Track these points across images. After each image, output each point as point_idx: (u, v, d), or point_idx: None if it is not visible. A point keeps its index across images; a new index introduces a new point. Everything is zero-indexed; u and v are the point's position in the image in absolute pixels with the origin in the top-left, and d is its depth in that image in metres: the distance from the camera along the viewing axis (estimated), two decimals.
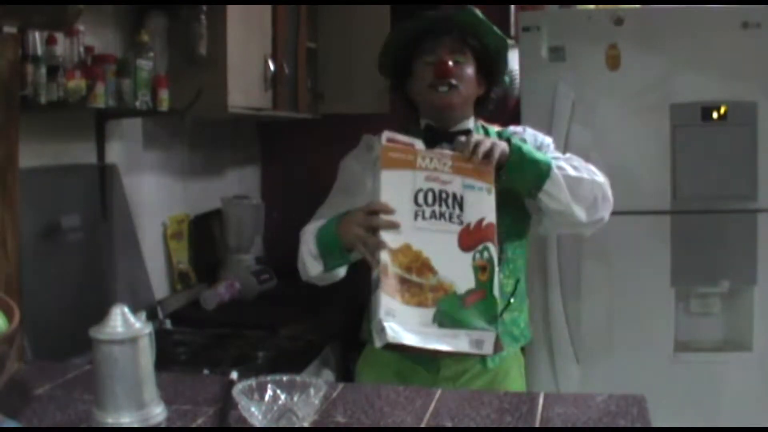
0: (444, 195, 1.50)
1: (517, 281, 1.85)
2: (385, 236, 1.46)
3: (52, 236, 2.18)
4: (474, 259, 1.48)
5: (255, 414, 1.17)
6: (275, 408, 1.17)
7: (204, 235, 3.12)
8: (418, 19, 1.83)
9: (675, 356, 2.98)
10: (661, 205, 2.96)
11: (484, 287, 1.48)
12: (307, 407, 1.19)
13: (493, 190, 1.55)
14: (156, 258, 2.81)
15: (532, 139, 1.87)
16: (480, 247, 1.49)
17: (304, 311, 2.82)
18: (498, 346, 1.48)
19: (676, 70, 2.91)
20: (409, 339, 1.40)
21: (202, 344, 2.41)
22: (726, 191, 2.94)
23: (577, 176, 1.72)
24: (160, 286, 2.81)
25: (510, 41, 3.52)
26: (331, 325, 2.79)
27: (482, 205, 1.53)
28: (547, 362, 3.02)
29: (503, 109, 3.52)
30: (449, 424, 1.28)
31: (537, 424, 1.27)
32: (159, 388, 1.28)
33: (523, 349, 1.95)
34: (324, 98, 3.38)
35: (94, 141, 2.44)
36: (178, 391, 1.44)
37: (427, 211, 1.48)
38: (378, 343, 1.42)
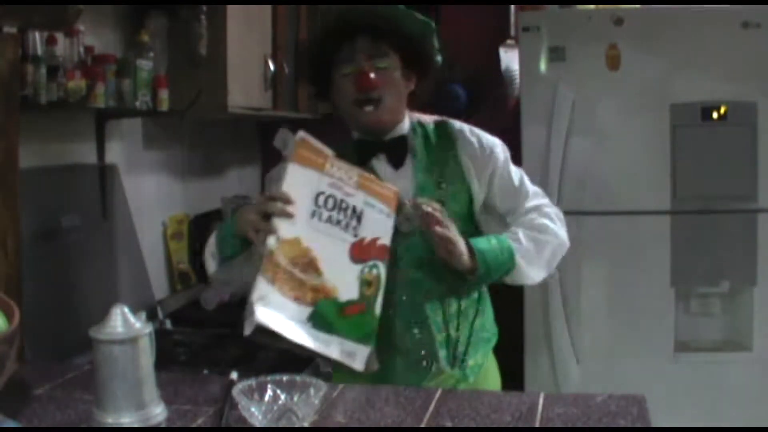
0: (344, 205, 1.48)
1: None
2: (278, 224, 1.43)
3: (52, 236, 2.18)
4: (362, 272, 1.45)
5: (255, 414, 1.17)
6: (275, 408, 1.17)
7: (204, 235, 3.11)
8: (330, 22, 1.69)
9: (675, 356, 2.98)
10: (661, 205, 2.96)
11: (366, 301, 1.44)
12: (307, 407, 1.19)
13: (394, 218, 1.53)
14: (156, 258, 2.81)
15: (476, 143, 1.74)
16: (370, 263, 1.46)
17: None
18: (370, 366, 1.42)
19: (676, 70, 2.91)
20: (280, 327, 1.34)
21: (202, 344, 2.41)
22: (726, 191, 2.94)
23: (539, 251, 1.69)
24: (160, 286, 2.81)
25: (510, 41, 3.53)
26: None
27: (380, 225, 1.50)
28: (547, 362, 3.02)
29: (503, 109, 3.53)
30: (449, 424, 1.28)
31: (537, 424, 1.27)
32: (159, 388, 1.27)
33: (496, 345, 1.85)
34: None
35: (94, 141, 2.44)
36: (178, 391, 1.44)
37: (325, 214, 1.46)
38: (247, 330, 1.35)
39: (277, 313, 1.36)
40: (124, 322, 1.23)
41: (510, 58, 3.47)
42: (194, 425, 1.29)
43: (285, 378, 1.25)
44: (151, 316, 2.53)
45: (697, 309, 3.05)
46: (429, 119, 1.79)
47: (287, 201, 1.44)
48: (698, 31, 2.89)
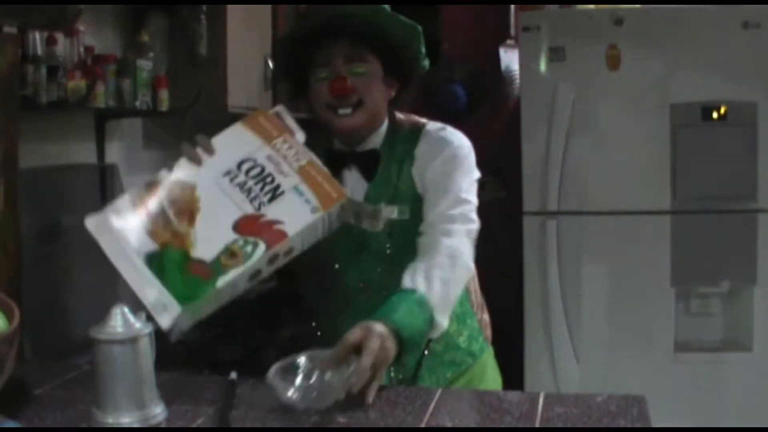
0: (268, 179, 1.41)
1: None
2: (182, 165, 1.42)
3: (52, 236, 2.18)
4: (235, 242, 1.35)
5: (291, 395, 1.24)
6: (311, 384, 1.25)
7: None
8: (307, 21, 1.59)
9: (675, 356, 2.98)
10: (661, 205, 2.96)
11: (215, 269, 1.33)
12: (341, 383, 1.25)
13: (320, 215, 1.39)
14: None
15: (432, 140, 1.59)
16: (250, 239, 1.36)
17: (304, 311, 2.81)
18: (176, 330, 1.34)
19: (676, 70, 2.91)
20: (107, 243, 1.32)
21: (202, 344, 2.41)
22: (726, 191, 2.94)
23: (453, 299, 1.48)
24: None
25: (510, 41, 3.54)
26: None
27: (293, 214, 1.39)
28: (547, 362, 3.02)
29: (503, 109, 3.53)
30: (449, 424, 1.28)
31: (537, 424, 1.27)
32: (159, 388, 1.27)
33: (496, 345, 1.77)
34: None
35: (94, 141, 2.44)
36: (178, 391, 1.44)
37: (240, 178, 1.41)
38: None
39: (118, 232, 1.36)
40: (124, 322, 1.23)
41: (510, 58, 3.47)
42: (194, 425, 1.29)
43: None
44: (151, 317, 2.52)
45: (697, 309, 3.05)
46: (409, 124, 1.65)
47: (207, 150, 1.43)
48: (698, 31, 2.90)
